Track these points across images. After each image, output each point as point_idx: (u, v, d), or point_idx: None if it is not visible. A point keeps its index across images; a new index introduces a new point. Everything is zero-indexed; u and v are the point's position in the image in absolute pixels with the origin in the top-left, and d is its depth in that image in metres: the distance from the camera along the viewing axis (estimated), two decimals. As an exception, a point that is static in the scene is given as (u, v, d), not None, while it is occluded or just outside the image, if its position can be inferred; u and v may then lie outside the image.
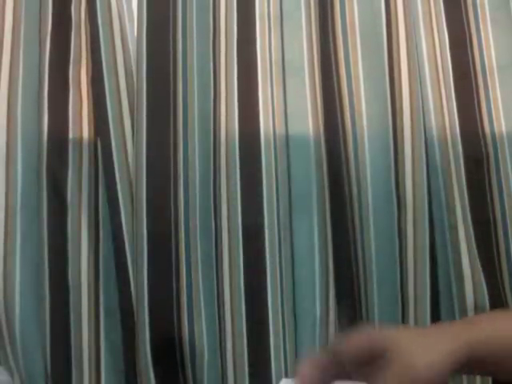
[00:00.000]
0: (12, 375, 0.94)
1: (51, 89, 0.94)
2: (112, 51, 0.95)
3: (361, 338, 0.49)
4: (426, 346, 0.50)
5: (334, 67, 0.94)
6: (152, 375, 0.92)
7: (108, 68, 0.95)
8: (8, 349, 0.94)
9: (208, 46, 0.96)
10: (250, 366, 0.91)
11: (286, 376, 0.91)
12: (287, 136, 0.95)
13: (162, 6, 0.97)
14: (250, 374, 0.91)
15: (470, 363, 0.48)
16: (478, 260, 0.89)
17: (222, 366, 0.92)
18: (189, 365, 0.93)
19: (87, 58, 0.96)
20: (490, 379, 0.92)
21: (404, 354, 0.48)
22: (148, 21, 0.96)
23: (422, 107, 0.92)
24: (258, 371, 0.91)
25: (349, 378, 0.49)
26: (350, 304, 0.91)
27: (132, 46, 0.97)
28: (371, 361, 0.49)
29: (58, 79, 0.95)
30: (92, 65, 0.96)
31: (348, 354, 0.49)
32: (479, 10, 0.94)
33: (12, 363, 0.94)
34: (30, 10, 0.96)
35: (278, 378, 0.90)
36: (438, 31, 0.94)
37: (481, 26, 0.94)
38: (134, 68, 0.96)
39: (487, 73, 0.92)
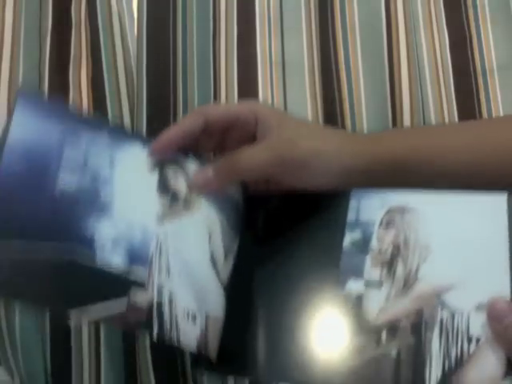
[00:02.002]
0: (12, 375, 0.94)
1: (51, 89, 0.94)
2: (112, 51, 0.95)
3: (231, 106, 0.46)
4: (317, 132, 0.45)
5: (333, 67, 0.94)
6: (152, 375, 0.92)
7: (108, 68, 0.95)
8: (8, 349, 0.94)
9: (208, 46, 0.96)
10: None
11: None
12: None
13: (162, 6, 0.97)
14: (250, 374, 0.91)
15: (370, 175, 0.43)
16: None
17: (222, 366, 0.92)
18: (189, 365, 0.92)
19: (87, 58, 0.96)
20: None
21: (282, 129, 0.43)
22: (148, 21, 0.96)
23: (422, 107, 0.92)
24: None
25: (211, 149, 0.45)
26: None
27: (132, 46, 0.97)
28: (238, 133, 0.45)
29: (57, 79, 0.95)
30: (92, 65, 0.96)
31: (216, 118, 0.44)
32: (479, 11, 0.94)
33: (12, 363, 0.94)
34: (29, 9, 0.96)
35: (278, 378, 0.90)
36: (438, 31, 0.94)
37: (481, 27, 0.94)
38: (133, 68, 0.96)
39: (487, 73, 0.92)
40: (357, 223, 0.41)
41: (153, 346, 0.92)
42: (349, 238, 0.40)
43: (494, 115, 0.92)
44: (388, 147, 0.44)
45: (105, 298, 0.37)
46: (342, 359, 0.36)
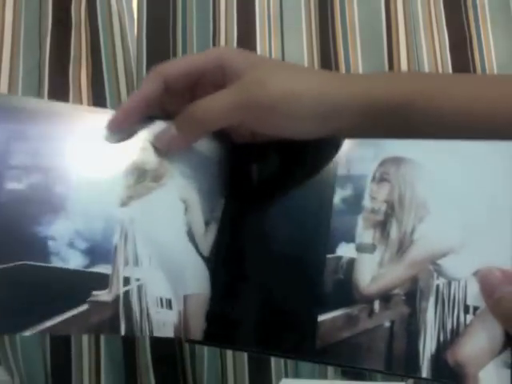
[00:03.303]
0: (12, 375, 0.94)
1: (51, 89, 0.94)
2: (112, 51, 0.95)
3: (191, 59, 0.39)
4: (295, 72, 0.38)
5: (333, 67, 0.94)
6: (152, 376, 0.92)
7: (108, 68, 0.95)
8: (8, 349, 0.94)
9: (208, 46, 0.96)
10: (250, 366, 0.91)
11: (286, 376, 0.91)
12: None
13: (162, 6, 0.97)
14: (250, 374, 0.91)
15: (365, 120, 0.37)
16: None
17: (222, 366, 0.92)
18: (189, 365, 0.93)
19: (87, 58, 0.96)
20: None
21: (253, 71, 0.37)
22: (148, 21, 0.96)
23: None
24: (258, 371, 0.91)
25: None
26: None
27: (132, 46, 0.96)
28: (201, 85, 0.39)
29: (58, 79, 0.95)
30: (92, 65, 0.96)
31: (176, 75, 0.39)
32: (479, 11, 0.94)
33: (12, 363, 0.94)
34: (29, 9, 0.96)
35: (278, 378, 0.90)
36: (438, 32, 0.94)
37: (481, 27, 0.94)
38: (133, 68, 0.96)
39: (487, 73, 0.93)
40: (348, 177, 0.37)
41: (153, 346, 0.92)
42: (339, 195, 0.36)
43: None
44: (389, 88, 0.37)
45: (64, 305, 0.34)
46: (333, 330, 0.34)
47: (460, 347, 0.31)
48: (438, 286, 0.33)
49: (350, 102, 0.36)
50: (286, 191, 0.38)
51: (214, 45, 0.96)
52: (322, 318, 0.34)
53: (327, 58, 0.94)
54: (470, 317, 0.31)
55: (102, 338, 0.94)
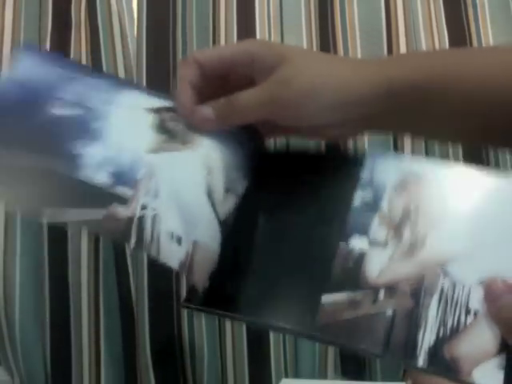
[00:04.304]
0: (12, 375, 0.94)
1: (51, 89, 0.94)
2: (112, 51, 0.95)
3: (224, 50, 0.43)
4: (318, 66, 0.41)
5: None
6: (152, 375, 0.92)
7: (108, 68, 0.95)
8: (8, 349, 0.94)
9: (208, 46, 0.96)
10: (250, 366, 0.91)
11: (286, 376, 0.91)
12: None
13: (162, 6, 0.97)
14: (250, 374, 0.91)
15: (389, 104, 0.39)
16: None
17: (221, 365, 0.92)
18: (189, 365, 0.93)
19: (87, 58, 0.96)
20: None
21: (280, 68, 0.40)
22: (148, 21, 0.96)
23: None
24: (258, 371, 0.91)
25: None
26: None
27: (132, 46, 0.97)
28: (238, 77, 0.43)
29: (57, 79, 0.95)
30: (92, 65, 0.96)
31: (211, 65, 0.43)
32: (479, 10, 0.94)
33: (12, 363, 0.94)
34: (29, 9, 0.97)
35: (278, 378, 0.90)
36: (438, 30, 0.94)
37: (480, 26, 0.94)
38: (133, 68, 0.96)
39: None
40: (369, 183, 0.40)
41: (153, 345, 0.92)
42: (360, 196, 0.40)
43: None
44: (405, 68, 0.40)
45: (82, 205, 0.38)
46: (335, 311, 0.35)
47: (457, 344, 0.32)
48: (443, 287, 0.34)
49: (370, 90, 0.39)
50: (308, 187, 0.42)
51: (214, 45, 0.96)
52: (325, 298, 0.36)
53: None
54: (470, 318, 0.33)
55: (102, 338, 0.94)
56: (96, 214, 0.38)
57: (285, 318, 0.37)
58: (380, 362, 0.88)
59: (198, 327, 0.92)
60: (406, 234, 0.37)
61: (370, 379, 0.89)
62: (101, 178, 0.39)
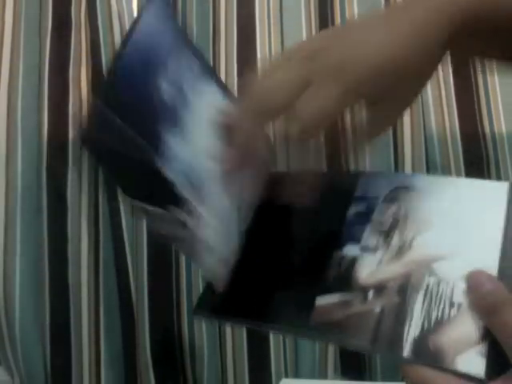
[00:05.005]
0: (12, 375, 0.94)
1: (51, 89, 0.94)
2: (112, 51, 0.95)
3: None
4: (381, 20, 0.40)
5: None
6: (152, 375, 0.92)
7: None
8: (8, 349, 0.94)
9: (208, 46, 0.96)
10: (250, 365, 0.91)
11: (286, 376, 0.91)
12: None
13: (162, 6, 0.97)
14: (250, 374, 0.91)
15: (468, 29, 0.39)
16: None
17: (221, 365, 0.92)
18: (189, 365, 0.93)
19: (87, 58, 0.96)
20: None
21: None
22: (148, 21, 0.96)
23: (422, 107, 0.92)
24: (258, 371, 0.91)
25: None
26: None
27: (132, 46, 0.97)
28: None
29: (57, 79, 0.95)
30: (92, 65, 0.96)
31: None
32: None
33: (12, 363, 0.94)
34: (29, 9, 0.97)
35: (278, 378, 0.90)
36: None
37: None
38: (133, 68, 0.96)
39: (487, 72, 0.92)
40: (363, 198, 0.44)
41: (153, 345, 0.92)
42: (353, 210, 0.43)
43: (493, 113, 0.92)
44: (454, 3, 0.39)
45: (151, 195, 0.38)
46: (328, 311, 0.38)
47: (441, 334, 0.34)
48: (428, 284, 0.37)
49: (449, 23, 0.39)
50: (308, 205, 0.45)
51: (213, 44, 0.96)
52: (320, 299, 0.39)
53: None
54: (454, 311, 0.35)
55: (102, 337, 0.94)
56: (157, 208, 0.38)
57: (282, 318, 0.40)
58: (380, 362, 0.88)
59: (198, 327, 0.92)
60: (395, 239, 0.40)
61: (370, 379, 0.89)
62: (173, 172, 0.37)
